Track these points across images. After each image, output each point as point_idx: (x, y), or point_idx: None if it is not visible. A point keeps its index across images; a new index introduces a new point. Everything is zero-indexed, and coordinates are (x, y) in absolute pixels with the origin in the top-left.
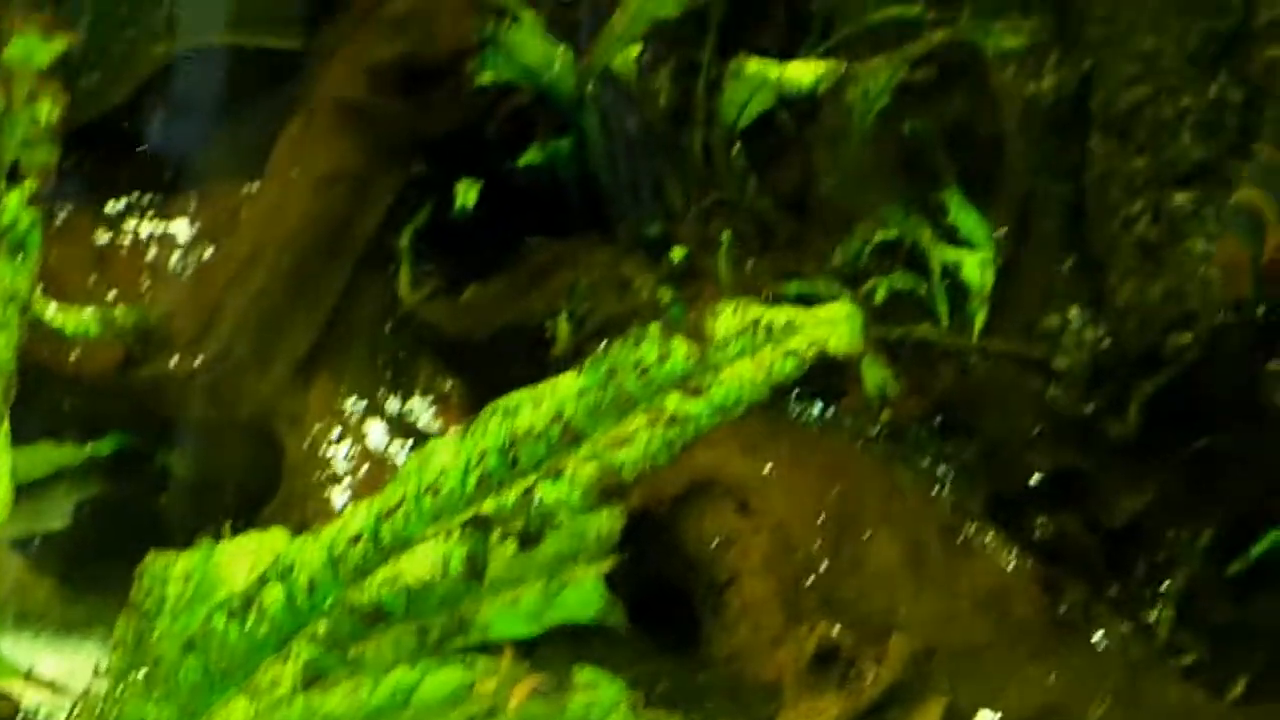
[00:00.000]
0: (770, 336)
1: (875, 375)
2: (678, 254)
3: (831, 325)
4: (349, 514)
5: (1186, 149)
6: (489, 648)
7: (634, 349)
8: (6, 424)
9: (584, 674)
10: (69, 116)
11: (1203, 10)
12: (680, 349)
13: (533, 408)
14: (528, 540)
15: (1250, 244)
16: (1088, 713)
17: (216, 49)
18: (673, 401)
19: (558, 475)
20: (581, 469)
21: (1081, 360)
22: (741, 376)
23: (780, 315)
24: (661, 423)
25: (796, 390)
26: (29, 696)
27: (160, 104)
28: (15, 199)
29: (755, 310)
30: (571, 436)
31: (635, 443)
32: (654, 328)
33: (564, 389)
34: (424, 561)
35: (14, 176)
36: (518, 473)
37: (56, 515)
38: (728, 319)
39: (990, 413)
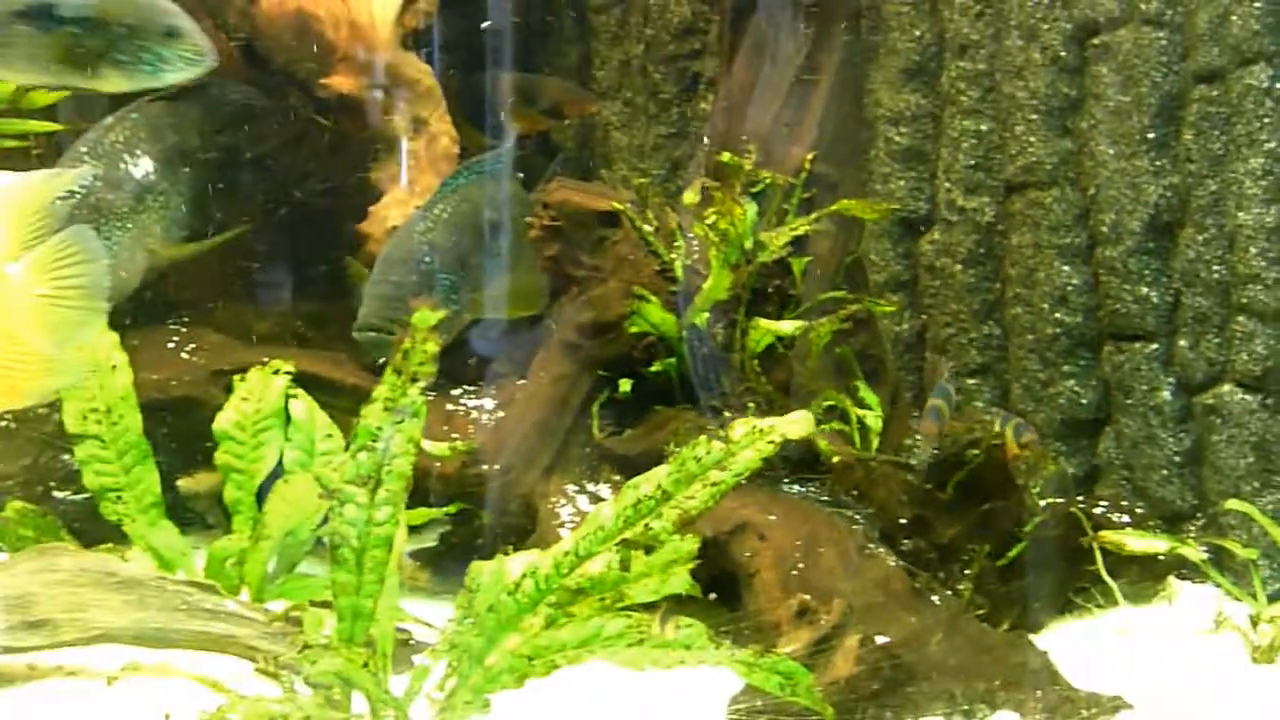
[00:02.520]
0: (761, 435)
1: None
2: (725, 416)
3: (791, 424)
4: (562, 541)
5: (974, 357)
6: (633, 608)
7: (693, 450)
8: (403, 503)
9: (682, 620)
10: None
11: (976, 292)
12: (716, 448)
13: (647, 483)
14: (649, 550)
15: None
16: (931, 640)
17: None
18: (714, 474)
19: (660, 516)
20: (670, 513)
21: (924, 462)
22: (746, 458)
23: (765, 424)
24: (708, 486)
25: (787, 481)
26: (416, 631)
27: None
28: (417, 390)
29: (753, 423)
30: (666, 496)
31: (696, 498)
32: (704, 439)
33: (661, 472)
34: (600, 564)
35: (415, 379)
36: (641, 516)
37: (429, 540)
38: (740, 429)
39: (880, 489)
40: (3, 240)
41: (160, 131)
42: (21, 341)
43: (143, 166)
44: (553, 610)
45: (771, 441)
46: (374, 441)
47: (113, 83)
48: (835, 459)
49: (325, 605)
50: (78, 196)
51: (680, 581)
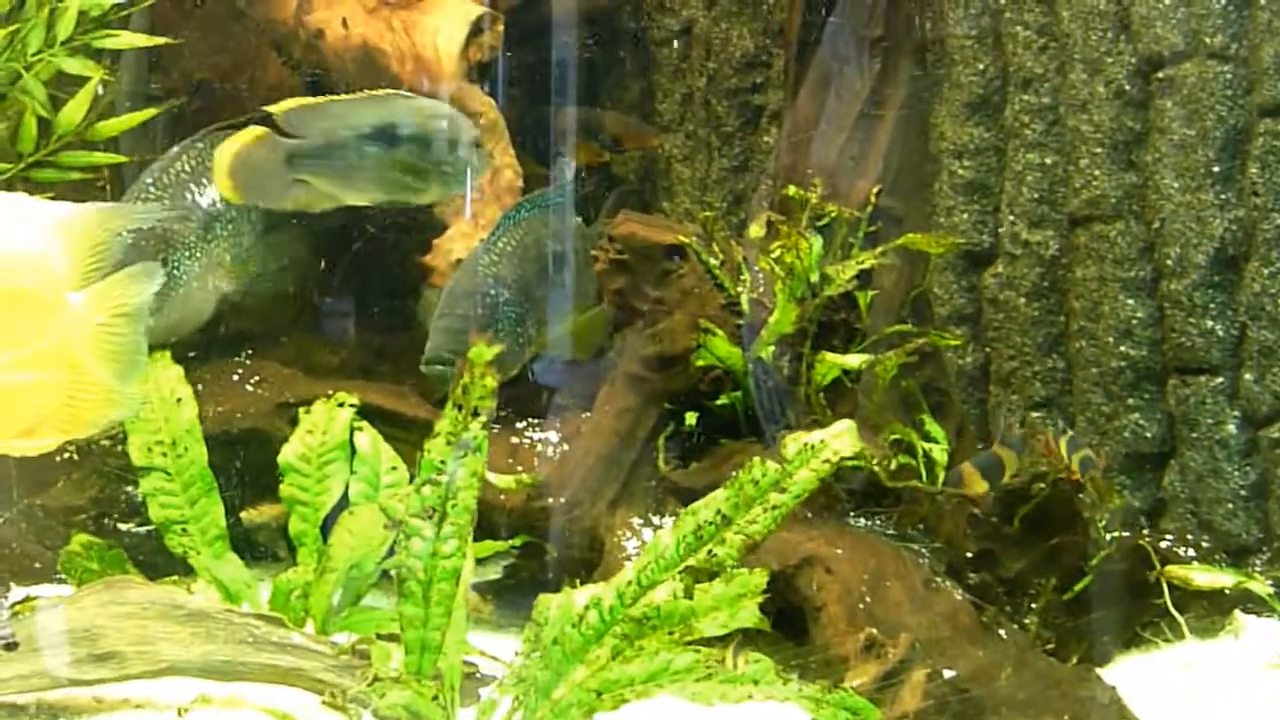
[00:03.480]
0: (814, 452)
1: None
2: None
3: (839, 436)
4: (625, 571)
5: (1038, 390)
6: (701, 642)
7: (749, 473)
8: (469, 536)
9: (751, 655)
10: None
11: (1040, 325)
12: (772, 469)
13: (706, 509)
14: (712, 577)
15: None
16: (999, 674)
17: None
18: (772, 497)
19: (723, 542)
20: (734, 539)
21: (991, 495)
22: (803, 478)
23: (817, 438)
24: (768, 510)
25: (853, 514)
26: (482, 665)
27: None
28: (479, 424)
29: (804, 438)
30: (726, 521)
31: (758, 523)
32: (758, 461)
33: (719, 497)
34: (665, 592)
35: (475, 413)
36: (702, 543)
37: (494, 573)
38: (793, 447)
39: (947, 522)
40: (66, 270)
41: None
42: (85, 371)
43: (210, 195)
44: (619, 642)
45: (827, 460)
46: (438, 475)
47: (434, 193)
48: (899, 485)
49: (391, 638)
50: (144, 227)
51: (749, 615)
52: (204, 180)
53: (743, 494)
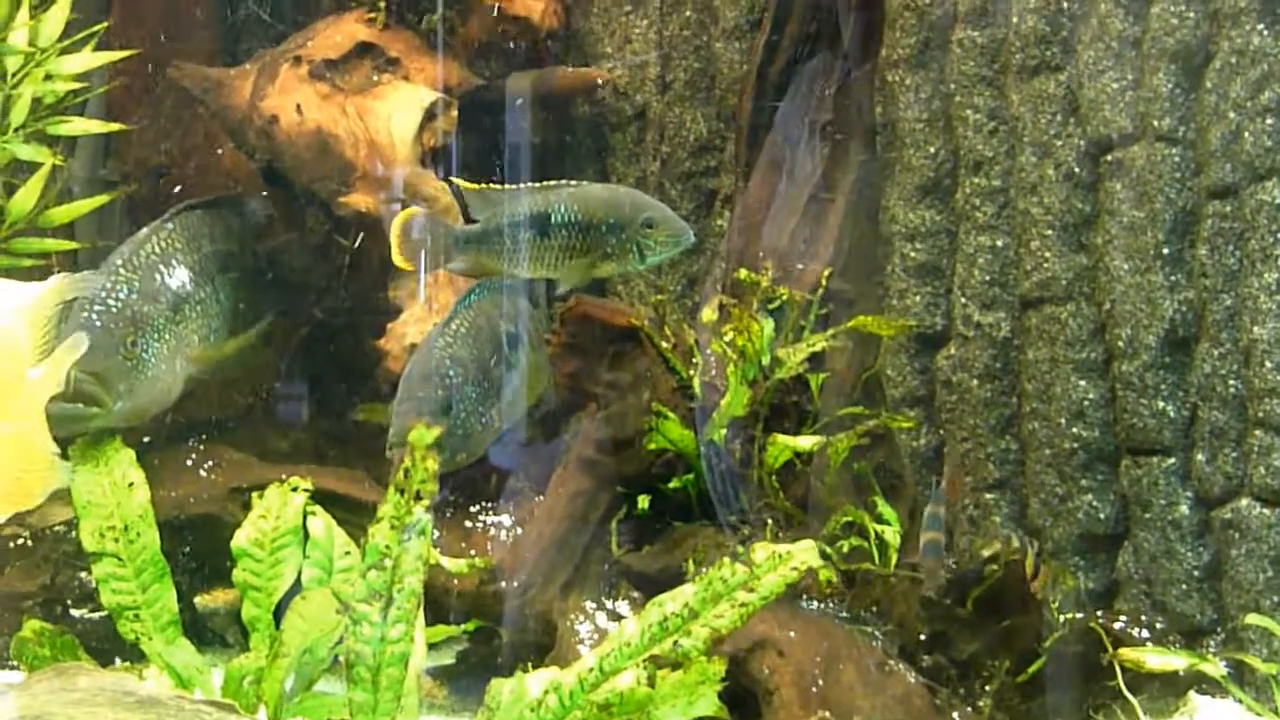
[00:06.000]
0: (782, 560)
1: (826, 574)
2: (744, 532)
3: (805, 554)
4: (587, 658)
5: (991, 471)
6: None
7: (719, 571)
8: (421, 617)
9: None
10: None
11: (993, 407)
12: (741, 570)
13: (673, 601)
14: (676, 667)
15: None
16: None
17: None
18: (741, 595)
19: (689, 634)
20: (700, 631)
21: (944, 578)
22: (771, 583)
23: (784, 550)
24: (736, 606)
25: (806, 597)
26: None
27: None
28: (422, 508)
29: (772, 548)
30: (693, 615)
31: (725, 617)
32: (727, 561)
33: (688, 592)
34: (629, 679)
35: (419, 497)
36: (668, 634)
37: (447, 658)
38: (762, 554)
39: (899, 604)
40: (26, 348)
41: (197, 241)
42: (34, 444)
43: (179, 277)
44: None
45: (795, 568)
46: (383, 560)
47: (607, 269)
48: (851, 568)
49: None
50: (113, 309)
51: (709, 703)
52: (174, 261)
53: (711, 590)
